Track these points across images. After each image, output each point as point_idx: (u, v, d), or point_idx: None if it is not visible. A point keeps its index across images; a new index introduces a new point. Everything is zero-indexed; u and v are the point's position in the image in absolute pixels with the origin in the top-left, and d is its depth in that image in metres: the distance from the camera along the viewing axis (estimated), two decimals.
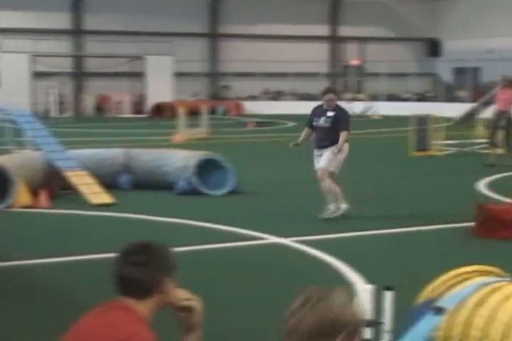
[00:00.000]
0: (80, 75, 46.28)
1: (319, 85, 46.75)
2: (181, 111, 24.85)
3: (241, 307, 6.60)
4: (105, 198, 12.05)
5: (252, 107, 44.47)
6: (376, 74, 45.85)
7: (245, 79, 47.72)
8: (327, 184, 10.71)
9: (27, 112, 17.23)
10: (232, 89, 48.67)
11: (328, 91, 11.09)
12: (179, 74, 43.80)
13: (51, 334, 5.76)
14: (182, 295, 3.03)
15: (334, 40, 52.31)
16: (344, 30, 51.69)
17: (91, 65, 45.88)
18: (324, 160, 10.63)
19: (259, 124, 32.16)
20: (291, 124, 33.67)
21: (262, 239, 9.42)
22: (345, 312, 2.46)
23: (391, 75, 46.07)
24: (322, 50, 51.48)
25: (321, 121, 10.74)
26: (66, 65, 43.57)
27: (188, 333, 3.06)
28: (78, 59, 46.23)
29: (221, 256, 8.69)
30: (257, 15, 49.12)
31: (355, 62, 48.88)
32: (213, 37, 49.73)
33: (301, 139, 11.20)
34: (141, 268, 2.88)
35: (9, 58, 39.48)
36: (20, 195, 11.54)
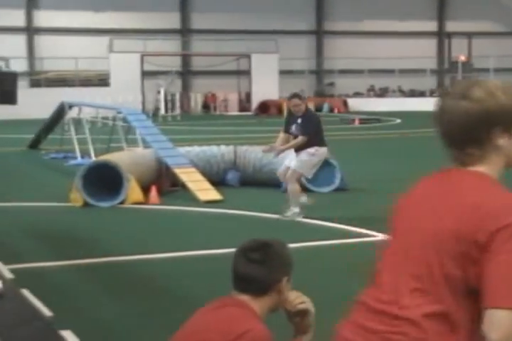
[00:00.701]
0: (187, 74, 47.01)
1: (426, 82, 46.23)
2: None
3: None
4: (213, 195, 12.21)
5: (358, 104, 44.23)
6: (485, 70, 44.86)
7: (350, 76, 47.47)
8: (292, 186, 10.44)
9: (138, 111, 17.66)
10: (337, 87, 48.53)
11: (292, 96, 10.74)
12: (284, 72, 43.96)
13: (165, 328, 5.90)
14: (297, 299, 3.05)
15: (441, 35, 51.50)
16: (452, 26, 50.82)
17: (198, 63, 46.55)
18: (296, 161, 10.36)
19: (364, 121, 31.97)
20: (397, 121, 33.33)
21: (370, 236, 9.38)
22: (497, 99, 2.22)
23: (500, 70, 44.99)
24: (429, 45, 50.79)
25: (293, 129, 10.50)
26: (174, 63, 44.31)
27: (301, 335, 3.08)
28: (185, 57, 46.96)
29: (329, 253, 8.69)
30: (363, 11, 48.81)
31: (462, 57, 47.98)
32: (318, 34, 49.68)
33: (276, 144, 10.82)
34: (260, 266, 2.92)
35: (119, 58, 40.42)
36: (132, 192, 11.81)
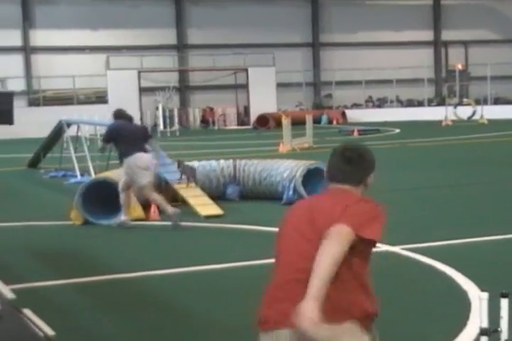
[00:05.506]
0: (184, 89, 47.09)
1: (424, 91, 46.27)
2: (285, 121, 24.94)
3: None
4: (214, 210, 12.19)
5: (356, 115, 44.28)
6: (482, 78, 44.93)
7: (348, 87, 47.55)
8: None
9: None
10: (335, 98, 48.59)
11: None
12: (282, 85, 44.03)
13: None
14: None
15: (438, 44, 51.61)
16: (448, 34, 50.96)
17: (195, 78, 46.65)
18: None
19: (363, 132, 31.98)
20: (396, 131, 33.33)
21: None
22: None
23: (498, 78, 45.06)
24: (426, 55, 50.86)
25: None
26: (171, 79, 44.39)
27: None
28: (183, 73, 47.04)
29: None
30: (358, 23, 48.95)
31: (459, 66, 48.06)
32: (314, 46, 49.79)
33: None
34: (356, 164, 3.65)
35: (116, 75, 40.48)
36: (132, 208, 11.79)
